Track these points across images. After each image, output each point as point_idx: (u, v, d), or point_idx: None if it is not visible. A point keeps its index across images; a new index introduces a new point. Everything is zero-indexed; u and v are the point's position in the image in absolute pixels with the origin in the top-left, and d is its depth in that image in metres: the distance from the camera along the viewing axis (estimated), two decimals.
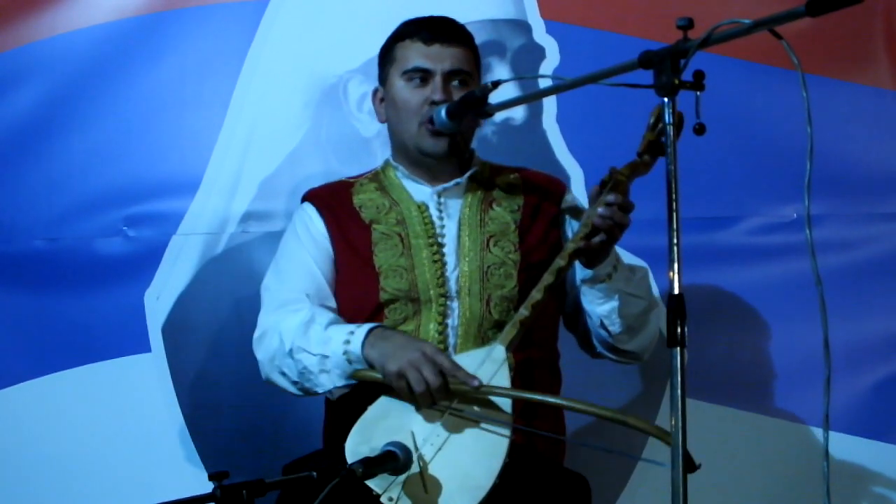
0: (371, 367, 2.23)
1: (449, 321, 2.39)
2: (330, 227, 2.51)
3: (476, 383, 2.12)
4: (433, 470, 2.08)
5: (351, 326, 2.30)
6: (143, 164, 3.09)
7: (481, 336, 2.37)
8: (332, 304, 2.46)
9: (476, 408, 2.14)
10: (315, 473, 1.89)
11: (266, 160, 3.10)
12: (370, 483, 2.02)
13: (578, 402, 2.16)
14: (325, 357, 2.28)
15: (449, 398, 2.14)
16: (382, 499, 2.04)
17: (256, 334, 2.44)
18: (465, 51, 2.49)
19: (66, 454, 3.01)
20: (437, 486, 2.06)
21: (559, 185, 2.61)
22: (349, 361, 2.26)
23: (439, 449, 2.10)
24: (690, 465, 1.87)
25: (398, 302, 2.40)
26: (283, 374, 2.37)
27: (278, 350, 2.35)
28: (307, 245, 2.50)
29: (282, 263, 2.53)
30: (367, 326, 2.27)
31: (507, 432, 2.11)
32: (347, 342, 2.25)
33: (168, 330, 3.03)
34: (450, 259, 2.44)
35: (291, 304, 2.41)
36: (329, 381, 2.29)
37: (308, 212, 2.55)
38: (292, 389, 2.38)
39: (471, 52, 2.51)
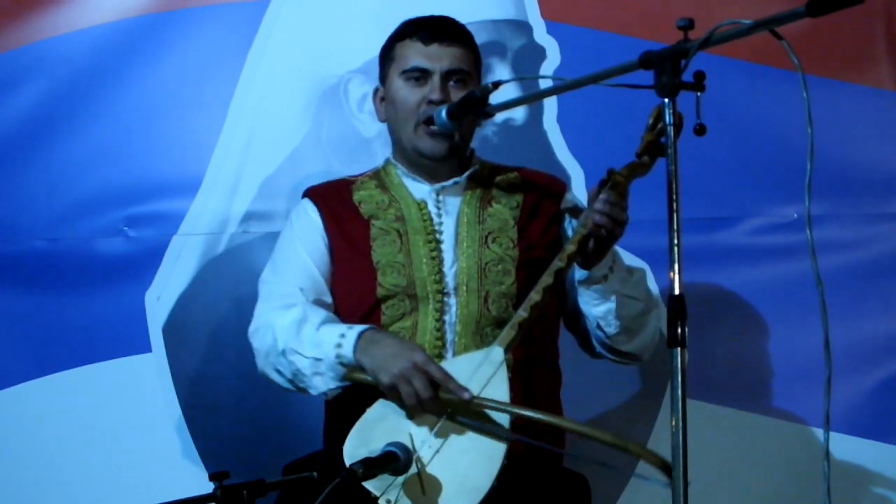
0: (363, 370, 2.24)
1: (446, 317, 2.39)
2: (327, 222, 2.51)
3: (467, 396, 2.12)
4: (431, 471, 2.08)
5: (342, 327, 2.30)
6: (144, 164, 3.09)
7: (479, 333, 2.37)
8: (328, 298, 2.46)
9: (474, 414, 2.13)
10: (316, 474, 1.89)
11: (267, 160, 3.10)
12: (368, 485, 2.02)
13: (576, 424, 2.17)
14: (318, 360, 2.29)
15: (441, 409, 2.14)
16: (381, 500, 2.04)
17: (252, 326, 2.46)
18: (464, 50, 2.49)
19: (67, 454, 3.00)
20: (435, 488, 2.06)
21: (559, 184, 2.61)
22: (341, 365, 2.26)
23: (437, 451, 2.10)
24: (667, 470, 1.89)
25: (395, 298, 2.40)
26: (279, 371, 2.38)
27: (272, 348, 2.36)
28: (302, 240, 2.51)
29: (278, 258, 2.55)
30: (358, 329, 2.28)
31: (504, 436, 2.11)
32: (339, 346, 2.26)
33: (169, 330, 3.03)
34: (447, 255, 2.44)
35: (285, 299, 2.42)
36: (322, 383, 2.30)
37: (305, 207, 2.56)
38: (287, 386, 2.40)
39: (470, 51, 2.52)
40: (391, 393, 2.17)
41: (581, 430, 2.13)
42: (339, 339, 2.26)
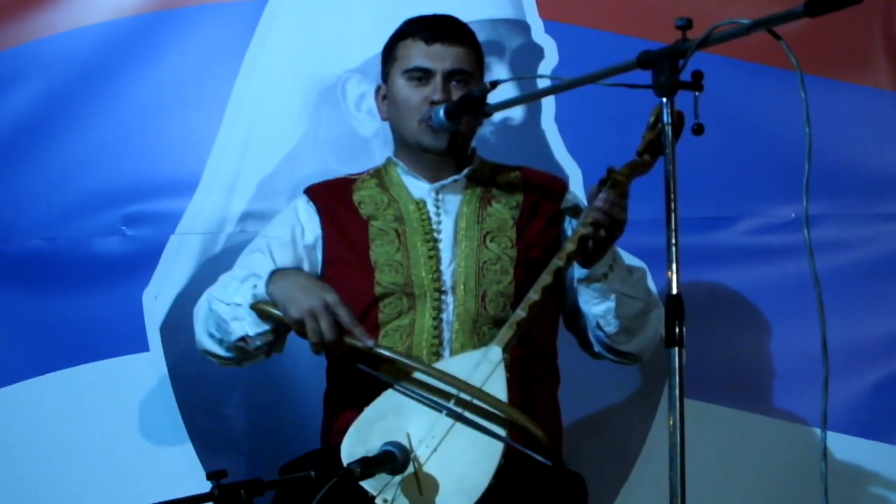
0: (275, 305, 2.27)
1: (444, 316, 2.39)
2: (325, 222, 2.51)
3: (371, 343, 2.18)
4: (429, 471, 2.07)
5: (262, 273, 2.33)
6: (142, 163, 3.09)
7: (476, 332, 2.37)
8: None
9: (472, 413, 2.13)
10: (313, 473, 1.89)
11: (264, 160, 3.09)
12: (365, 484, 2.02)
13: (441, 373, 2.17)
14: (238, 305, 2.32)
15: (342, 351, 2.21)
16: (378, 500, 2.04)
17: (194, 311, 2.49)
18: (466, 50, 2.49)
19: (64, 453, 3.00)
20: (432, 488, 2.06)
21: (560, 184, 2.61)
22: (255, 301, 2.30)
23: (434, 450, 2.10)
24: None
25: (393, 296, 2.40)
26: (210, 335, 2.41)
27: (204, 312, 2.41)
28: (275, 231, 2.52)
29: (241, 254, 2.57)
30: (272, 269, 2.32)
31: (502, 435, 2.11)
32: (255, 286, 2.30)
33: (166, 329, 3.03)
34: (445, 254, 2.44)
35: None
36: (240, 327, 2.33)
37: (296, 204, 2.57)
38: (220, 351, 2.41)
39: (472, 51, 2.52)
40: (296, 327, 2.21)
41: (466, 388, 2.15)
42: (256, 279, 2.31)
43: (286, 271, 2.34)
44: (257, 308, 2.29)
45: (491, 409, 2.12)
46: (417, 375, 2.19)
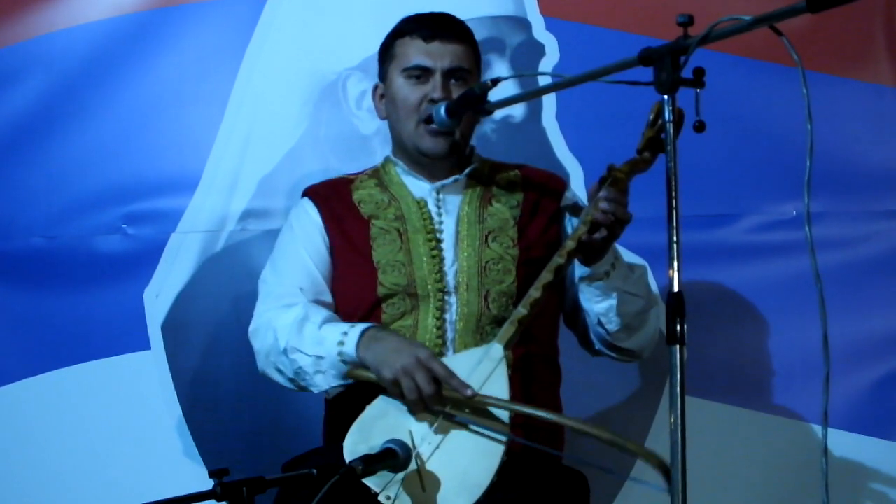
0: (366, 367, 2.23)
1: (447, 316, 2.39)
2: (327, 222, 2.51)
3: (469, 392, 2.12)
4: (431, 468, 2.07)
5: (345, 326, 2.30)
6: (142, 161, 3.09)
7: (479, 331, 2.37)
8: (328, 298, 2.46)
9: (473, 411, 2.13)
10: (315, 471, 1.89)
11: (265, 158, 3.09)
12: (368, 481, 2.02)
13: (576, 421, 2.17)
14: (321, 358, 2.28)
15: (442, 405, 2.14)
16: (380, 497, 2.04)
17: (252, 326, 2.46)
18: (465, 48, 2.49)
19: (66, 451, 3.00)
20: (434, 485, 2.06)
21: (559, 182, 2.61)
22: (344, 363, 2.26)
23: (437, 447, 2.10)
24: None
25: (396, 297, 2.40)
26: (279, 370, 2.38)
27: (273, 347, 2.36)
28: (301, 240, 2.51)
29: (278, 258, 2.55)
30: (361, 326, 2.28)
31: (503, 435, 2.10)
32: (342, 343, 2.26)
33: (167, 328, 3.03)
34: (448, 254, 2.44)
35: (286, 298, 2.42)
36: (325, 381, 2.30)
37: (305, 207, 2.56)
38: (288, 385, 2.40)
39: (471, 49, 2.51)
40: (393, 389, 2.17)
41: (581, 427, 2.13)
42: (342, 336, 2.26)
43: (376, 333, 2.27)
44: (353, 375, 2.26)
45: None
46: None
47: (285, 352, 2.33)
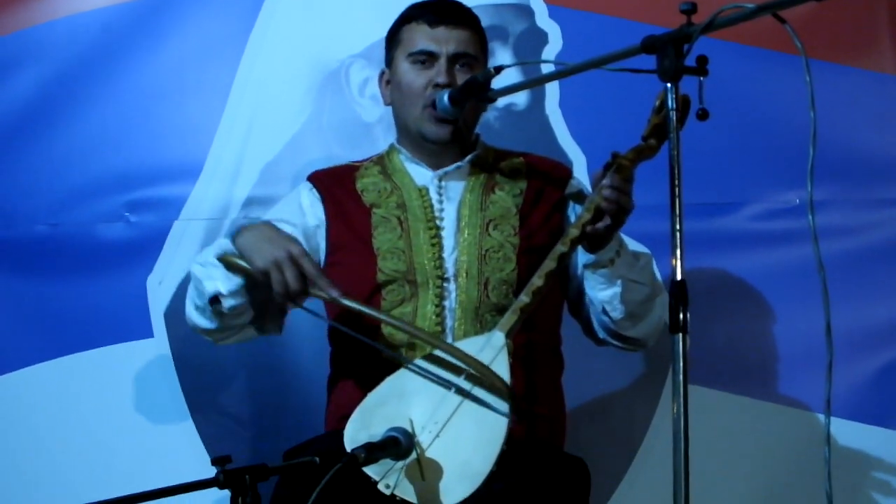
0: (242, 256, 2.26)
1: (446, 303, 2.39)
2: (328, 208, 2.51)
3: (335, 293, 2.16)
4: (431, 456, 2.07)
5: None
6: (145, 149, 3.09)
7: (479, 319, 2.37)
8: None
9: (476, 395, 2.13)
10: (317, 458, 1.89)
11: (268, 145, 3.09)
12: (368, 470, 2.02)
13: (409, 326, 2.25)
14: (210, 263, 2.31)
15: (302, 299, 2.19)
16: (380, 485, 2.03)
17: None
18: (470, 33, 2.49)
19: (69, 439, 3.01)
20: (435, 473, 2.06)
21: (564, 170, 2.60)
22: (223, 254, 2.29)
23: (437, 436, 2.09)
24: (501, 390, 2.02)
25: (395, 283, 2.40)
26: (195, 306, 2.39)
27: (189, 284, 2.40)
28: (278, 216, 2.50)
29: None
30: (240, 224, 2.33)
31: (504, 421, 2.10)
32: (222, 241, 2.31)
33: (170, 315, 3.03)
34: (448, 242, 2.44)
35: None
36: (213, 285, 2.30)
37: (303, 191, 2.56)
38: (205, 322, 2.38)
39: (477, 34, 2.51)
40: (261, 278, 2.20)
41: (418, 335, 2.22)
42: (225, 237, 2.31)
43: (253, 224, 2.34)
44: (224, 259, 2.27)
45: (456, 362, 2.12)
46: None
47: (191, 276, 2.36)
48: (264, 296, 2.28)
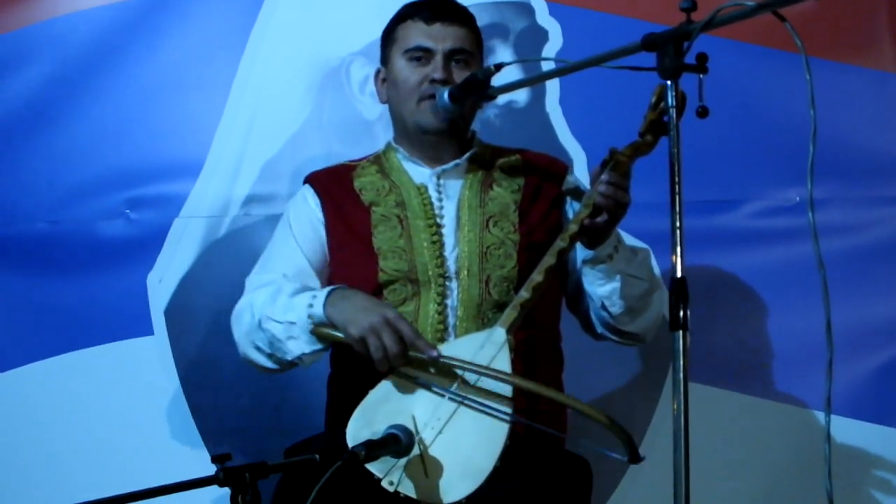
0: (334, 326, 2.25)
1: (448, 302, 2.39)
2: (327, 209, 2.51)
3: (435, 353, 2.14)
4: (434, 454, 2.07)
5: (315, 291, 2.32)
6: (146, 146, 3.09)
7: (481, 317, 2.37)
8: (314, 284, 2.46)
9: (477, 394, 2.13)
10: (318, 456, 1.89)
11: (268, 143, 3.09)
12: (371, 467, 2.02)
13: (552, 391, 2.19)
14: (292, 323, 2.29)
15: (408, 364, 2.16)
16: (383, 483, 2.04)
17: (233, 315, 2.47)
18: (466, 31, 2.49)
19: (69, 436, 3.01)
20: (437, 470, 2.06)
21: (561, 166, 2.61)
22: (314, 325, 2.27)
23: (440, 433, 2.10)
24: (635, 457, 2.01)
25: (397, 283, 2.40)
26: (258, 348, 2.38)
27: (250, 324, 2.38)
28: (295, 227, 2.51)
29: (268, 250, 2.57)
30: (329, 288, 2.30)
31: (506, 419, 2.10)
32: (311, 305, 2.27)
33: (170, 313, 3.03)
34: (448, 240, 2.44)
35: (266, 282, 2.44)
36: (297, 346, 2.31)
37: (305, 194, 2.56)
38: (268, 363, 2.40)
39: (472, 32, 2.51)
40: (360, 347, 2.19)
41: (556, 397, 2.19)
42: (311, 299, 2.28)
43: (344, 292, 2.29)
44: (318, 333, 2.27)
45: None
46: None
47: (260, 324, 2.35)
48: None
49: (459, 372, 2.14)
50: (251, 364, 2.44)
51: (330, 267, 2.49)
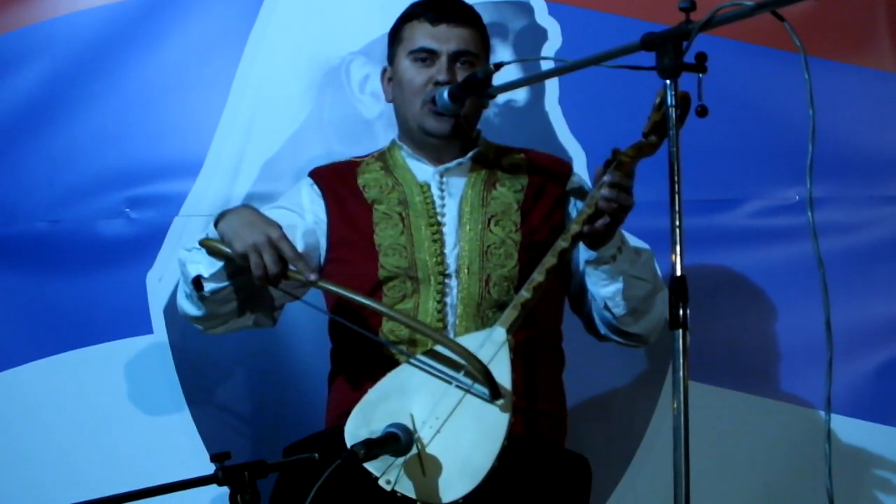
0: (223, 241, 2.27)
1: (447, 299, 2.39)
2: (330, 205, 2.51)
3: (313, 277, 2.19)
4: (432, 452, 2.07)
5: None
6: (146, 145, 3.09)
7: (480, 315, 2.37)
8: None
9: (478, 391, 2.13)
10: (317, 455, 1.89)
11: (268, 142, 3.09)
12: (368, 466, 2.02)
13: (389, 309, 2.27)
14: (194, 248, 2.34)
15: (285, 281, 2.21)
16: (380, 482, 2.03)
17: None
18: (471, 32, 2.49)
19: (68, 436, 3.01)
20: (435, 469, 2.06)
21: (565, 166, 2.61)
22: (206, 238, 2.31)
23: (438, 431, 2.09)
24: (496, 393, 2.05)
25: (397, 279, 2.40)
26: (185, 294, 2.40)
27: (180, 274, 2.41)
28: (277, 213, 2.50)
29: None
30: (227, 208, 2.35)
31: (505, 416, 2.10)
32: (209, 226, 2.32)
33: (170, 311, 3.02)
34: (449, 238, 2.44)
35: None
36: (195, 269, 2.32)
37: (304, 187, 2.57)
38: (193, 309, 2.40)
39: (478, 33, 2.51)
40: (241, 261, 2.21)
41: (396, 316, 2.25)
42: (210, 224, 2.32)
43: (235, 208, 2.35)
44: (205, 243, 2.30)
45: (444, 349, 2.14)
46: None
47: (181, 266, 2.38)
48: (250, 282, 2.29)
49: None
50: (186, 318, 2.45)
51: (329, 261, 2.49)
